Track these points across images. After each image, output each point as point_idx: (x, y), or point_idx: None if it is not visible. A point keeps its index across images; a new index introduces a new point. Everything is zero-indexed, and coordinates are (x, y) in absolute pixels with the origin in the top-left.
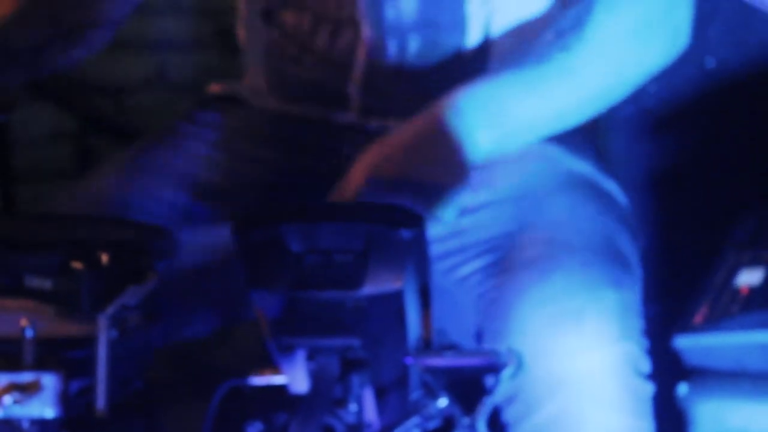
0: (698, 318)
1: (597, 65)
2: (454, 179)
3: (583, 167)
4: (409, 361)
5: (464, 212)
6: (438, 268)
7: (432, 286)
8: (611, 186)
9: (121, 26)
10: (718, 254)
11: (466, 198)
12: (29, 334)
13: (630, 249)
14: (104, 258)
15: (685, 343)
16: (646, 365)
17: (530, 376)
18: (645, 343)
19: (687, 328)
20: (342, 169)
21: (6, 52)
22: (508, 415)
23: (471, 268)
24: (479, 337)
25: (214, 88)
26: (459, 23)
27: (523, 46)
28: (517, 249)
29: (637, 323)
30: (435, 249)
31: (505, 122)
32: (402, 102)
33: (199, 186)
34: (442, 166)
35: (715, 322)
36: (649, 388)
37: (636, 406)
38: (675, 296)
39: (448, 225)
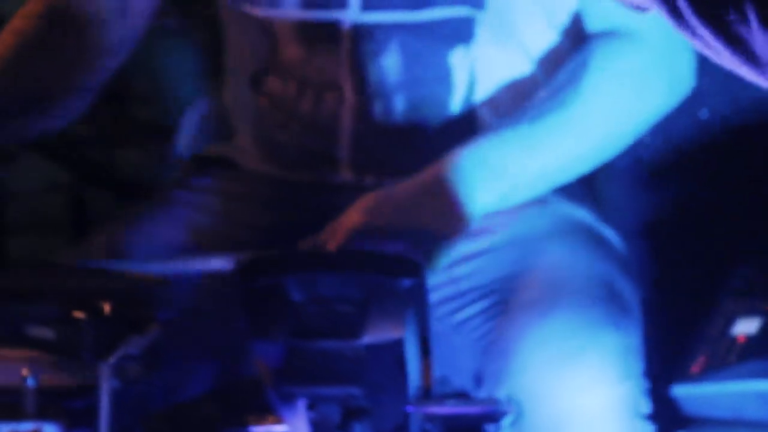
0: (696, 367)
1: (595, 119)
2: (451, 232)
3: (581, 213)
4: (409, 409)
5: (463, 259)
6: (436, 314)
7: (432, 333)
8: (609, 232)
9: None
10: (715, 304)
11: (462, 248)
12: (30, 383)
13: (629, 292)
14: (106, 307)
15: (683, 392)
16: (645, 406)
17: (530, 416)
18: (645, 384)
19: (685, 377)
20: None
21: None
22: None
23: (469, 312)
24: (478, 380)
25: (209, 150)
26: (443, 78)
27: (515, 98)
28: (516, 292)
29: (637, 364)
30: (433, 296)
31: (505, 179)
32: (392, 160)
33: (194, 255)
34: (440, 220)
35: (712, 371)
36: (648, 430)
37: None
38: (672, 346)
39: (446, 273)
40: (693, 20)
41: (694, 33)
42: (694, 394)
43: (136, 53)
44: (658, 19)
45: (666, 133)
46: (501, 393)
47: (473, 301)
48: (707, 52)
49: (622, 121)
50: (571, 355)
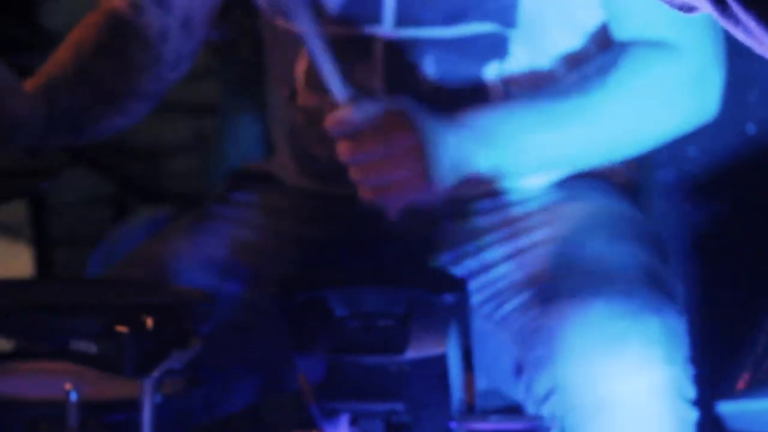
0: (741, 384)
1: (614, 114)
2: (422, 191)
3: (621, 206)
4: (452, 424)
5: (503, 259)
6: (479, 313)
7: (474, 347)
8: (650, 225)
9: (162, 98)
10: (761, 320)
11: (503, 249)
12: (73, 397)
13: (672, 281)
14: (149, 322)
15: (728, 408)
16: (690, 390)
17: (574, 400)
18: (690, 369)
19: (730, 393)
20: (382, 238)
21: (49, 115)
22: None
23: (512, 305)
24: (519, 369)
25: (250, 165)
26: (477, 93)
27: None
28: (558, 281)
29: (681, 348)
30: (476, 296)
31: (507, 148)
32: None
33: (236, 268)
34: (419, 176)
35: (758, 388)
36: (693, 414)
37: (680, 430)
38: (717, 362)
39: (486, 274)
40: (736, 7)
41: (737, 21)
42: (739, 410)
43: None
44: (694, 36)
45: (711, 147)
46: (543, 380)
47: (516, 294)
48: (750, 42)
49: (641, 126)
50: (614, 340)
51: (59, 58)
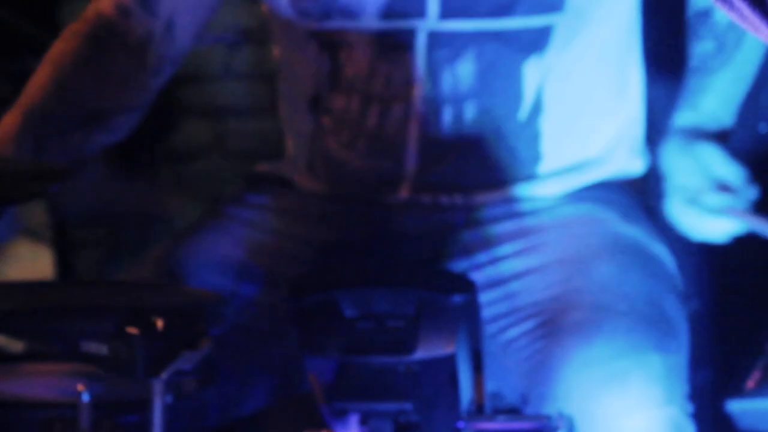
0: (751, 383)
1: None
2: None
3: (632, 231)
4: (461, 425)
5: (514, 276)
6: (487, 331)
7: (483, 350)
8: (659, 249)
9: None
10: None
11: (514, 265)
12: (85, 398)
13: (677, 313)
14: (159, 323)
15: (737, 407)
16: (689, 428)
17: None
18: (689, 407)
19: (739, 392)
20: (396, 244)
21: (36, 145)
22: None
23: (517, 331)
24: (524, 400)
25: (261, 167)
26: (513, 89)
27: (578, 111)
28: (563, 313)
29: (682, 387)
30: (486, 311)
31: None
32: (456, 172)
33: (250, 270)
34: None
35: (767, 387)
36: None
37: None
38: (727, 361)
39: (498, 289)
40: None
41: (732, 6)
42: (749, 409)
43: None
44: None
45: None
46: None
47: (522, 320)
48: (746, 26)
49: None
50: (615, 378)
51: (40, 82)
